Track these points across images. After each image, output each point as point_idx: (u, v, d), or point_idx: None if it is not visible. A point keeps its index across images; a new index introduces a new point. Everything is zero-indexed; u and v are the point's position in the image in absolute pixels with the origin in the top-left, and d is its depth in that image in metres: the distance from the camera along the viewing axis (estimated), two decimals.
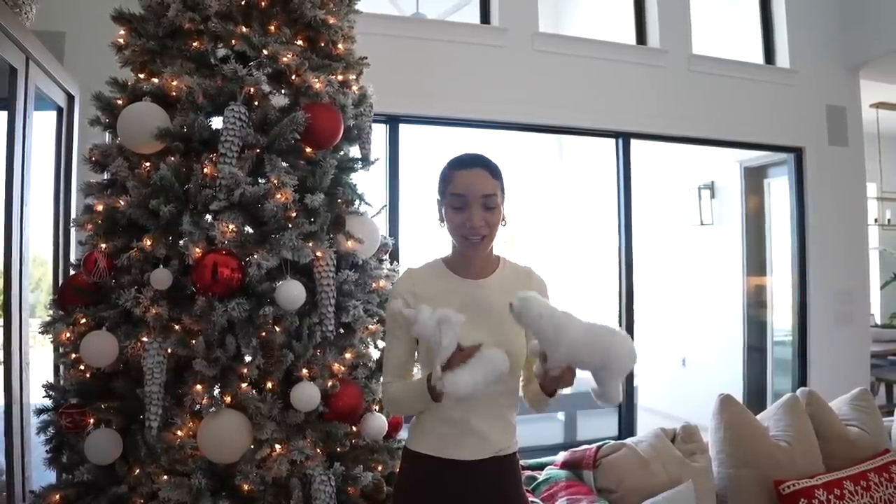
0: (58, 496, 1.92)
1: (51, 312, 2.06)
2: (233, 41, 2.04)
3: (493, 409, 1.51)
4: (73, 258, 2.48)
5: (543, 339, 1.32)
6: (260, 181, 1.97)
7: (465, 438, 1.49)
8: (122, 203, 1.97)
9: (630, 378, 4.38)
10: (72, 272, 2.16)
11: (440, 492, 1.50)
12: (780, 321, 5.39)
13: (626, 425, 4.36)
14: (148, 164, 2.02)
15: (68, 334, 1.97)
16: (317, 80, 2.07)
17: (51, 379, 2.17)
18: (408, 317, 1.36)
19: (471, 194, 1.45)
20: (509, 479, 1.55)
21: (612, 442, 2.40)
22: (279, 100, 2.03)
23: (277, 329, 1.92)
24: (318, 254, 1.93)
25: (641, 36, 4.54)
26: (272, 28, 2.11)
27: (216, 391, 1.92)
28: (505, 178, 1.53)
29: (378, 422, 2.11)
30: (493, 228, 1.49)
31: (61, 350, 2.02)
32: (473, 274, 1.53)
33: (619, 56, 4.32)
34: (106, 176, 2.12)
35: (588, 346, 1.30)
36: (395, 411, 1.59)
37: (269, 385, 1.93)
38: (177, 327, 1.89)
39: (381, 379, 1.57)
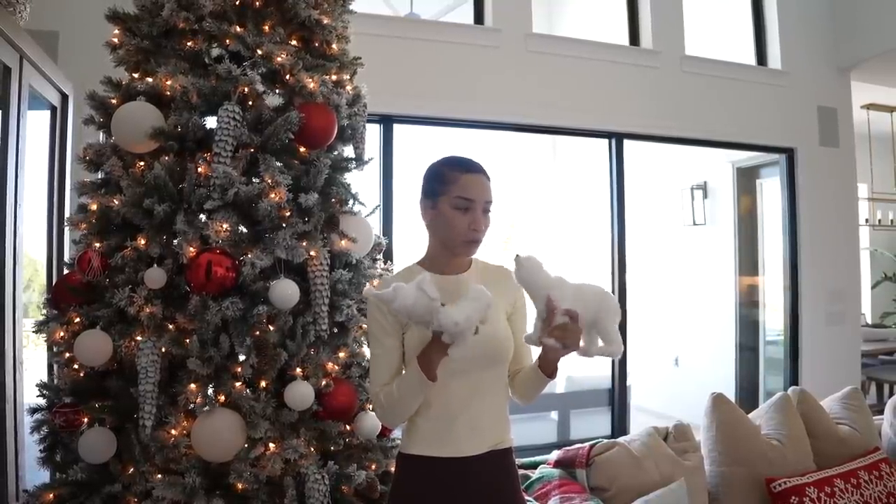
0: (51, 495, 1.93)
1: (44, 312, 2.06)
2: (227, 41, 2.04)
3: (484, 400, 1.49)
4: (66, 257, 2.47)
5: (547, 288, 1.38)
6: (254, 180, 1.97)
7: (459, 433, 1.46)
8: (116, 202, 1.97)
9: (623, 377, 4.41)
10: (66, 271, 2.16)
11: (436, 492, 1.47)
12: (772, 321, 5.42)
13: (619, 424, 4.38)
14: (142, 163, 2.03)
15: (62, 333, 1.97)
16: (311, 80, 2.07)
17: (44, 378, 2.18)
18: (385, 297, 1.33)
19: (478, 199, 1.46)
20: (504, 475, 1.53)
21: (605, 441, 2.40)
22: (273, 99, 2.03)
23: (271, 328, 1.93)
24: (312, 253, 1.93)
25: (634, 37, 4.56)
26: (266, 28, 2.12)
27: (210, 390, 1.92)
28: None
29: (372, 421, 2.11)
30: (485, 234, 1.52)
31: (55, 349, 2.03)
32: (451, 271, 1.54)
33: (612, 57, 4.34)
34: (100, 175, 2.12)
35: (582, 301, 1.39)
36: (392, 415, 1.48)
37: (263, 384, 1.93)
38: (171, 326, 1.90)
39: (371, 390, 1.51)
